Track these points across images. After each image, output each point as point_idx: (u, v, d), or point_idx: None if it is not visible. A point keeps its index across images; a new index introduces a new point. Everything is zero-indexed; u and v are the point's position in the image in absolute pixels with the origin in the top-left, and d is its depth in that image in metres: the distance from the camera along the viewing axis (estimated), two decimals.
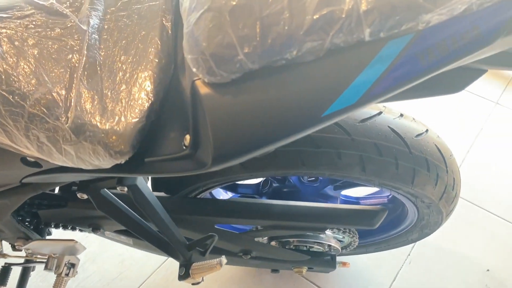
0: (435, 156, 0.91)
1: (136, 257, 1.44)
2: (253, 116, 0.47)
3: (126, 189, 0.77)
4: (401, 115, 0.90)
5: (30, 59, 0.61)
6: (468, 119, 1.92)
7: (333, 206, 0.97)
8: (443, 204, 0.97)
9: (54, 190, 0.95)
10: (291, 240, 1.06)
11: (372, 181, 0.88)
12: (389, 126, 0.86)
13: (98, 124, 0.57)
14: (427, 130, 0.91)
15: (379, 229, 1.23)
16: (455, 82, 0.59)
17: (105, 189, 0.81)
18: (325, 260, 1.07)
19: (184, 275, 0.81)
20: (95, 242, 1.47)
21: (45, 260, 1.06)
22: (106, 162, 0.58)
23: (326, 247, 1.07)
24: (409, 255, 1.47)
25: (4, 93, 0.57)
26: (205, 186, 0.94)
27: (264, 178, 1.17)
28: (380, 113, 0.87)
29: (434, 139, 0.92)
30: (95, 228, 0.98)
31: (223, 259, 0.78)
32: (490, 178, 1.69)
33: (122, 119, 0.57)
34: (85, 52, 0.61)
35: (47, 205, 0.94)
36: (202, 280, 0.85)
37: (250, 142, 0.49)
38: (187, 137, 0.53)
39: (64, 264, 1.05)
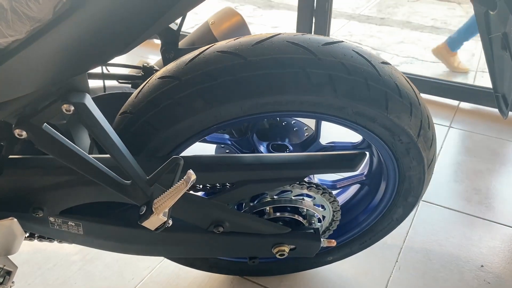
0: (405, 84, 0.87)
1: None
2: None
3: (72, 108, 0.67)
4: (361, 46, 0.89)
5: None
6: None
7: (310, 154, 0.88)
8: (422, 144, 0.91)
9: None
10: (268, 209, 0.93)
11: (345, 109, 0.82)
12: (353, 50, 0.84)
13: None
14: (390, 64, 0.89)
15: (361, 215, 1.13)
16: None
17: (47, 124, 0.70)
18: (309, 234, 0.94)
19: (145, 213, 0.67)
20: None
21: None
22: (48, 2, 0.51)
23: (305, 216, 0.95)
24: (396, 261, 1.34)
25: None
26: (175, 141, 0.84)
27: None
28: (342, 41, 0.85)
29: (400, 73, 0.90)
30: (36, 207, 0.82)
31: (191, 173, 0.65)
32: (456, 185, 1.65)
33: None
34: None
35: None
36: (169, 221, 0.70)
37: None
38: None
39: None
